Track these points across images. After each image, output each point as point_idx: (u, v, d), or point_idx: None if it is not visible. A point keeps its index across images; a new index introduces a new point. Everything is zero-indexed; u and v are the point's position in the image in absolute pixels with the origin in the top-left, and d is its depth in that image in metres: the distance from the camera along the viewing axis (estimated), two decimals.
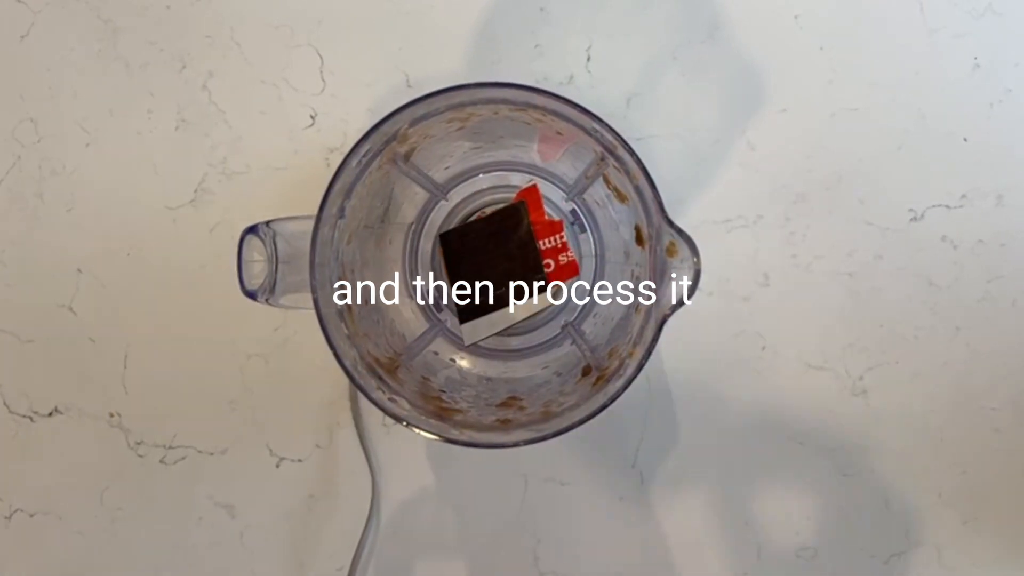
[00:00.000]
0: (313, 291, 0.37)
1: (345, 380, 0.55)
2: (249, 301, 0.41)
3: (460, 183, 0.51)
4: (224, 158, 0.56)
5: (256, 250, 0.39)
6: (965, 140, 0.55)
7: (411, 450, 0.56)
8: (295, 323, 0.56)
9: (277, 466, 0.56)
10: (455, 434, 0.38)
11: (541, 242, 0.50)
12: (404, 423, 0.37)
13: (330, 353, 0.39)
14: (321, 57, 0.56)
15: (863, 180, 0.55)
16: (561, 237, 0.50)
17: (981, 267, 0.55)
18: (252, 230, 0.39)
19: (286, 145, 0.56)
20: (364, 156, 0.39)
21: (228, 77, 0.56)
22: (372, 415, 0.56)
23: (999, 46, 0.55)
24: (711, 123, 0.55)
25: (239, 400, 0.56)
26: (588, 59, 0.55)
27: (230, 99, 0.56)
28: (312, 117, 0.56)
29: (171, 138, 0.57)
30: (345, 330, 0.40)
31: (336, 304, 0.40)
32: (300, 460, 0.56)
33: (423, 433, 0.37)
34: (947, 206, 0.55)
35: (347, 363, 0.37)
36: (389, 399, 0.39)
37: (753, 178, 0.55)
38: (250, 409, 0.56)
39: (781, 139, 0.55)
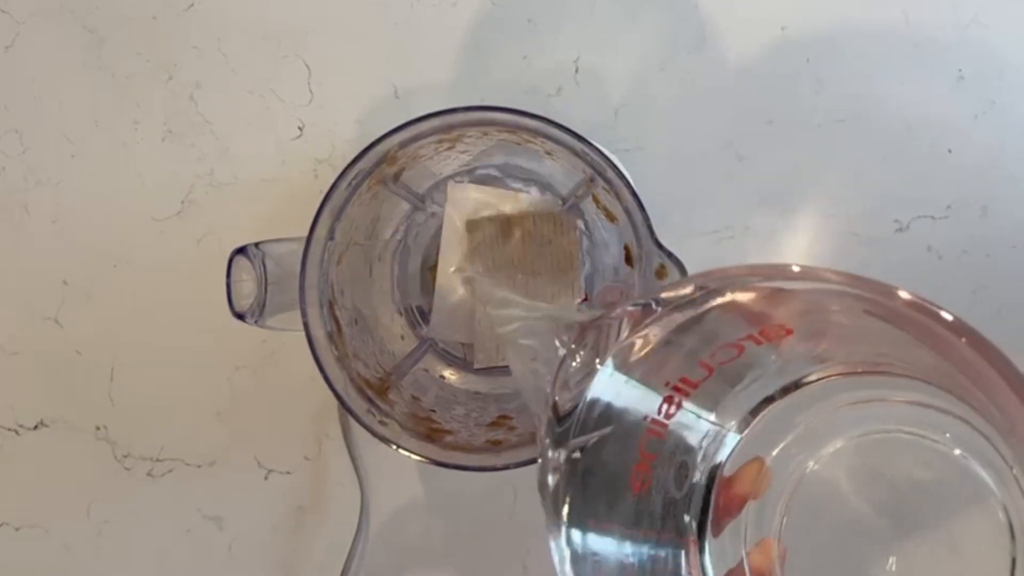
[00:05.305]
0: (303, 315, 0.37)
1: None
2: None
3: None
4: (211, 169, 0.56)
5: (245, 271, 0.39)
6: (950, 151, 0.55)
7: (400, 461, 0.55)
8: (282, 335, 0.56)
9: (265, 478, 0.56)
10: (445, 456, 0.38)
11: None
12: (394, 446, 0.37)
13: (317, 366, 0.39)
14: (308, 68, 0.56)
15: (849, 191, 0.55)
16: None
17: (966, 277, 0.55)
18: (241, 251, 0.39)
19: (274, 156, 0.56)
20: (353, 178, 0.39)
21: (215, 88, 0.56)
22: (361, 426, 0.56)
23: (983, 58, 0.55)
24: (698, 134, 0.55)
25: (227, 412, 0.56)
26: (576, 70, 0.55)
27: (217, 110, 0.56)
28: (300, 128, 0.56)
29: (157, 149, 0.56)
30: (335, 352, 0.40)
31: (326, 326, 0.40)
32: (288, 472, 0.56)
33: (413, 456, 0.37)
34: (932, 217, 0.55)
35: (337, 387, 0.37)
36: (380, 422, 0.39)
37: (740, 189, 0.55)
38: (238, 421, 0.56)
39: (768, 150, 0.55)
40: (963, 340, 0.23)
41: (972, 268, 0.55)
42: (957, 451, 0.32)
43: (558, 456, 0.32)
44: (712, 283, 0.28)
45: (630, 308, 0.31)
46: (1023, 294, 0.54)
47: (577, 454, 0.32)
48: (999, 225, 0.55)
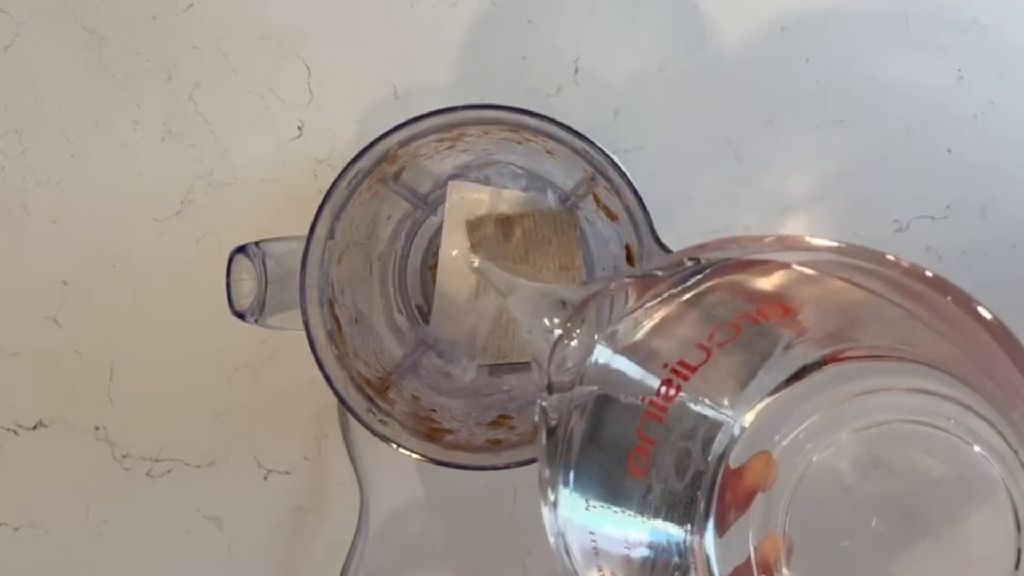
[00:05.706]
0: (304, 313, 0.37)
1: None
2: None
3: None
4: (211, 169, 0.56)
5: (245, 270, 0.39)
6: (949, 152, 0.55)
7: (399, 461, 0.56)
8: (282, 335, 0.56)
9: (265, 478, 0.56)
10: (446, 456, 0.38)
11: None
12: (395, 445, 0.37)
13: (317, 365, 0.39)
14: (308, 68, 0.56)
15: (849, 191, 0.55)
16: None
17: (966, 277, 0.54)
18: (241, 250, 0.39)
19: (273, 156, 0.56)
20: (354, 177, 0.39)
21: (215, 88, 0.56)
22: (360, 426, 0.56)
23: (983, 58, 0.55)
24: (698, 134, 0.55)
25: (226, 412, 0.56)
26: (576, 71, 0.55)
27: (217, 110, 0.56)
28: (299, 128, 0.56)
29: (157, 149, 0.56)
30: (335, 351, 0.40)
31: (326, 325, 0.40)
32: (288, 472, 0.56)
33: (414, 455, 0.37)
34: (932, 217, 0.55)
35: (338, 386, 0.37)
36: (380, 421, 0.39)
37: (739, 190, 0.55)
38: (237, 421, 0.56)
39: (767, 150, 0.55)
40: (948, 298, 0.23)
41: (972, 268, 0.55)
42: (961, 439, 0.32)
43: (553, 430, 0.31)
44: (711, 253, 0.28)
45: (627, 279, 0.30)
46: (1023, 294, 0.54)
47: (575, 418, 0.31)
48: (998, 225, 0.55)
